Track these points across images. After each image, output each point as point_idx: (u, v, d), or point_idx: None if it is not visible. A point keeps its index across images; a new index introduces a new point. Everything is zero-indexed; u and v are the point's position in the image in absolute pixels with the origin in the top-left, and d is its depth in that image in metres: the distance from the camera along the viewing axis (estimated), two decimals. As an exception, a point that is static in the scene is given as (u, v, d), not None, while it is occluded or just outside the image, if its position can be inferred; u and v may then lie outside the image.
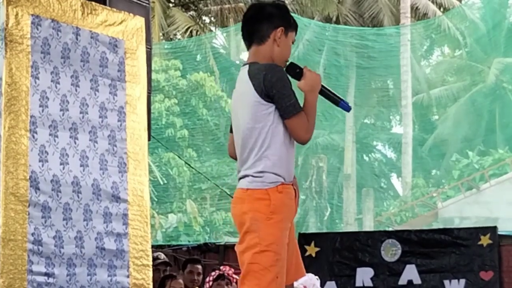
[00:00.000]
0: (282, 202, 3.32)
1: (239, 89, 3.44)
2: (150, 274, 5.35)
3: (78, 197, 4.98)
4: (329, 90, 3.51)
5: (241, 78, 3.43)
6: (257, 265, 3.25)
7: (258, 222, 3.27)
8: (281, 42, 3.43)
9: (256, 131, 3.32)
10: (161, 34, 20.84)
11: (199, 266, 7.77)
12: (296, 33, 3.53)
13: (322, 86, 3.47)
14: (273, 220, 3.28)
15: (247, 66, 3.41)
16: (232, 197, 3.52)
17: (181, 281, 7.04)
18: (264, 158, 3.31)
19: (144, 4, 5.79)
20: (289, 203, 3.36)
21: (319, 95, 3.48)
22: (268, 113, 3.31)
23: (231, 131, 3.57)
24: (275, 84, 3.29)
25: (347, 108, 3.53)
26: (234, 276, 7.50)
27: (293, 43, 3.51)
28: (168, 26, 20.94)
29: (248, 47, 3.47)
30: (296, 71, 3.46)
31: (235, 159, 3.53)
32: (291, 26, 3.48)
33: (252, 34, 3.44)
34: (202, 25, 22.24)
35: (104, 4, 5.42)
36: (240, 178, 3.41)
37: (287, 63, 3.50)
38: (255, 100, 3.31)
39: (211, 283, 7.32)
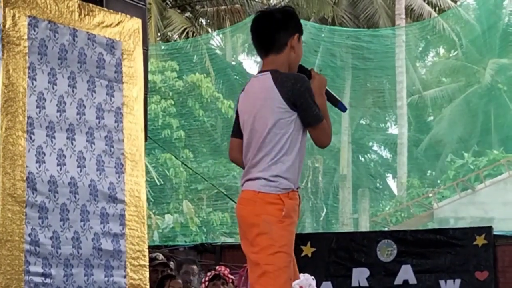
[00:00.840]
0: (292, 207, 3.42)
1: (256, 95, 3.48)
2: (147, 274, 5.37)
3: (75, 197, 4.99)
4: (329, 91, 3.59)
5: (260, 84, 3.48)
6: (272, 266, 3.35)
7: (271, 225, 3.36)
8: (296, 48, 3.53)
9: (277, 136, 3.41)
10: (157, 35, 20.84)
11: (195, 267, 7.79)
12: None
13: None
14: (285, 223, 3.38)
15: (268, 73, 3.46)
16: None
17: (180, 281, 7.06)
18: (280, 162, 3.41)
19: (141, 5, 5.80)
20: (297, 209, 3.47)
21: None
22: (291, 121, 3.41)
23: (233, 135, 3.62)
24: (304, 94, 3.40)
25: (344, 109, 3.65)
26: (230, 276, 7.52)
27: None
28: (165, 27, 20.93)
29: (264, 55, 3.52)
30: (306, 74, 3.53)
31: (238, 164, 3.60)
32: (301, 31, 3.58)
33: (270, 44, 3.51)
34: (198, 27, 22.24)
35: (101, 5, 5.43)
36: (249, 180, 3.46)
37: None
38: (280, 107, 3.40)
39: (207, 283, 7.34)
